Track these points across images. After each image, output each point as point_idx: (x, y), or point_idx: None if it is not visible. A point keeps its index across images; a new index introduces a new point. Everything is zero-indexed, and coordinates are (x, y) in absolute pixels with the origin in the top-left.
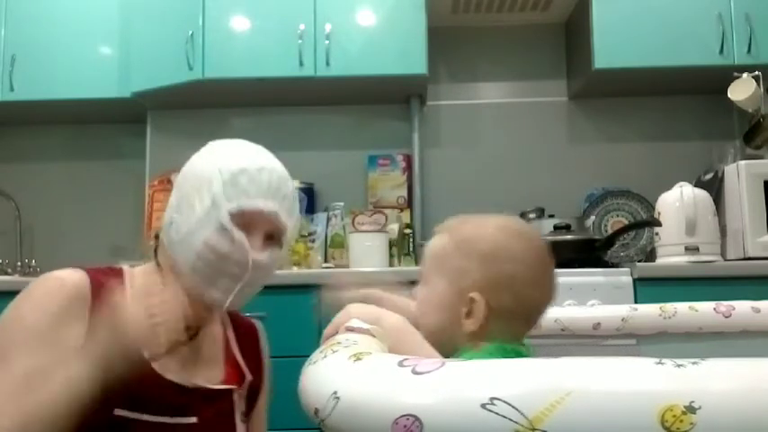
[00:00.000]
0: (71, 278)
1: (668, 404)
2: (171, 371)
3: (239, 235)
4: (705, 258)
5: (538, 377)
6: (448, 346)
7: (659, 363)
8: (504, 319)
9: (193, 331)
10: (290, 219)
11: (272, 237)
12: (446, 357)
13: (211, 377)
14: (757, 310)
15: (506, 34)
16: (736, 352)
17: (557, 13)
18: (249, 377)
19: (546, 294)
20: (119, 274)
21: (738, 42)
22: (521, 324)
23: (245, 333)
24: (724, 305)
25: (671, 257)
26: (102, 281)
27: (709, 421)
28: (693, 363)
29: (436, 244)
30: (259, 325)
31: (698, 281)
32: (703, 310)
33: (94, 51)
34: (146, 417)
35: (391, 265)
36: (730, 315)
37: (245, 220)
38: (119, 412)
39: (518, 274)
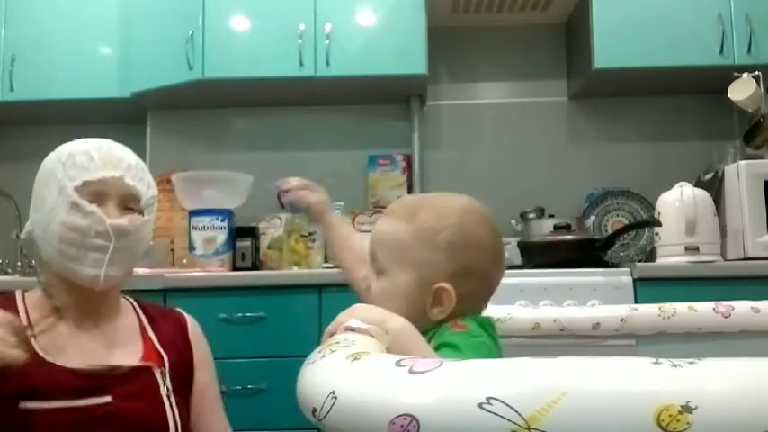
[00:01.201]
0: None
1: (664, 404)
2: (73, 361)
3: (91, 207)
4: (705, 258)
5: (534, 377)
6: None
7: (656, 362)
8: (470, 300)
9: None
10: (141, 184)
11: (130, 207)
12: None
13: (128, 360)
14: (757, 310)
15: (506, 34)
16: (736, 352)
17: (557, 13)
18: (166, 357)
19: (503, 269)
20: (10, 296)
21: (738, 42)
22: (483, 300)
23: (166, 322)
24: (723, 305)
25: (671, 257)
26: None
27: (706, 421)
28: (690, 362)
29: (394, 233)
30: (188, 317)
31: (698, 281)
32: (703, 311)
33: (94, 51)
34: (53, 404)
35: None
36: (730, 315)
37: (95, 194)
38: (23, 405)
39: (484, 259)
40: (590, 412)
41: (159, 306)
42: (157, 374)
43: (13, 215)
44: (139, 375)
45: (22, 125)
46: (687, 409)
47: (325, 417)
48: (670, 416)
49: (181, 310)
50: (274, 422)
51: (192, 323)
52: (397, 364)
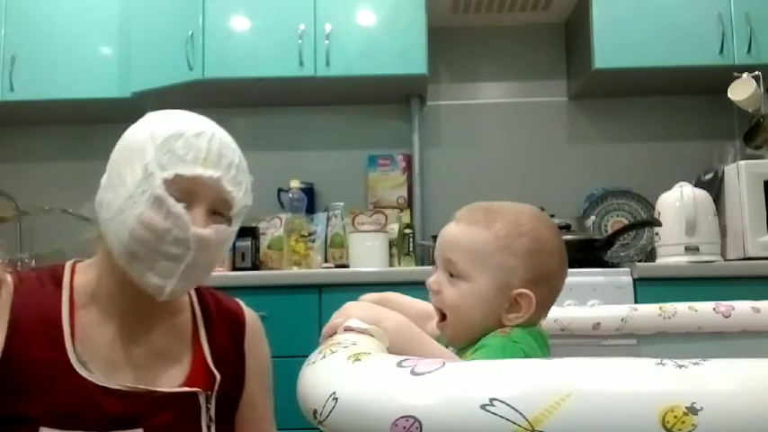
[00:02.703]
0: None
1: (669, 405)
2: (110, 376)
3: (177, 207)
4: (705, 258)
5: (538, 378)
6: (480, 338)
7: (660, 363)
8: (541, 309)
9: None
10: (237, 189)
11: (218, 211)
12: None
13: (172, 378)
14: (757, 310)
15: (506, 34)
16: (736, 352)
17: (557, 13)
18: (218, 377)
19: (564, 283)
20: (56, 272)
21: (738, 42)
22: (546, 312)
23: (223, 323)
24: (724, 305)
25: (671, 257)
26: (30, 281)
27: (711, 422)
28: (695, 363)
29: (473, 238)
30: (248, 313)
31: (698, 281)
32: (703, 310)
33: (94, 51)
34: None
35: (391, 265)
36: (730, 315)
37: (184, 191)
38: (44, 430)
39: (555, 267)
40: (594, 413)
41: (220, 297)
42: (201, 400)
43: (12, 215)
44: (180, 400)
45: (22, 125)
46: (692, 410)
47: (326, 418)
48: (675, 417)
49: (243, 306)
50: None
51: (251, 324)
52: (399, 364)
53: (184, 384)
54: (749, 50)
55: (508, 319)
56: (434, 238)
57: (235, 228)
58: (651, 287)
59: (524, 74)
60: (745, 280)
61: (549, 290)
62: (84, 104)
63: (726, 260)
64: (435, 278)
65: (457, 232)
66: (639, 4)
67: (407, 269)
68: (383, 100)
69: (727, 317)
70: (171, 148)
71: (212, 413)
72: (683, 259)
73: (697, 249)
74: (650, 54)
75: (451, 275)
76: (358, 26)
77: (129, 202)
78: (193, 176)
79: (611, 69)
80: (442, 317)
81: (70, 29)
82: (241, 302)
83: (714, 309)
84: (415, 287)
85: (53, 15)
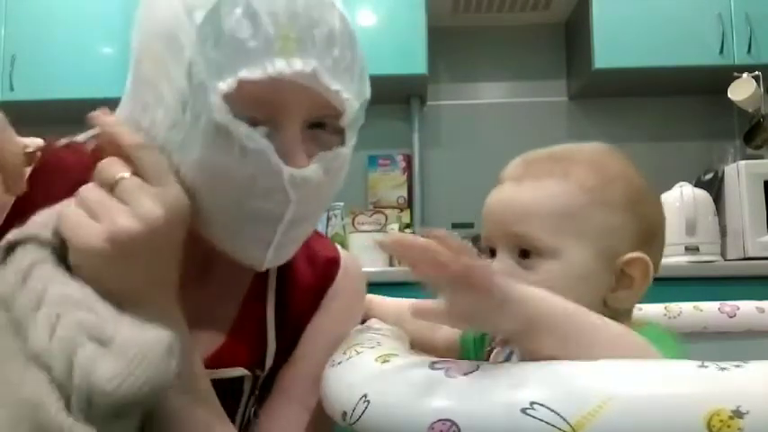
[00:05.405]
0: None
1: (714, 408)
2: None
3: (255, 138)
4: (705, 258)
5: (579, 381)
6: None
7: (702, 366)
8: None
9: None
10: (348, 80)
11: (320, 122)
12: None
13: (209, 340)
14: (762, 310)
15: (506, 34)
16: (741, 352)
17: (557, 13)
18: (271, 351)
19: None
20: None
21: (738, 42)
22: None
23: (313, 270)
24: (729, 305)
25: (671, 257)
26: (61, 154)
27: (758, 426)
28: (737, 366)
29: (553, 198)
30: (346, 258)
31: (698, 281)
32: (708, 310)
33: (95, 51)
34: None
35: (391, 264)
36: (735, 315)
37: (259, 102)
38: None
39: (659, 213)
40: (638, 417)
41: (316, 242)
42: (246, 385)
43: None
44: (216, 379)
45: (22, 125)
46: (738, 413)
47: (356, 421)
48: (721, 421)
49: (342, 260)
50: None
51: (345, 271)
52: (432, 366)
53: (221, 350)
54: (749, 50)
55: (617, 299)
56: None
57: (349, 146)
58: (651, 287)
59: (524, 74)
60: (745, 280)
61: (659, 247)
62: (85, 104)
63: (726, 260)
64: (500, 267)
65: (523, 194)
66: (639, 4)
67: (407, 269)
68: (383, 100)
69: (732, 317)
70: (222, 29)
71: (255, 396)
72: (683, 259)
73: (697, 249)
74: (650, 54)
75: (524, 256)
76: (358, 26)
77: (176, 136)
78: (274, 79)
79: (611, 69)
80: None
81: (70, 29)
82: (343, 258)
83: (719, 309)
84: (416, 287)
85: (53, 15)
